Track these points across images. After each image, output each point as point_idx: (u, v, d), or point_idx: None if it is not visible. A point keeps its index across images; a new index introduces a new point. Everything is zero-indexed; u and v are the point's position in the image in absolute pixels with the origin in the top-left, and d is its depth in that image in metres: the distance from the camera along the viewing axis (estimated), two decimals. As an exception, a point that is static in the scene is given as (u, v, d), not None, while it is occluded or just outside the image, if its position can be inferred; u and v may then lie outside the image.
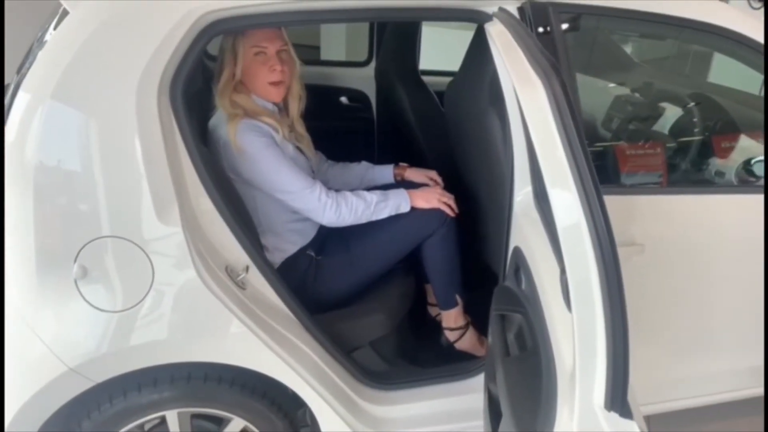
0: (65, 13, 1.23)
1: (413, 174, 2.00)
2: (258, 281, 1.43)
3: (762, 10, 3.63)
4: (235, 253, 1.39)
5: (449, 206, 1.73)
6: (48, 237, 1.24)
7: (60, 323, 1.28)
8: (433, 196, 1.73)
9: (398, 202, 1.69)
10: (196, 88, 1.58)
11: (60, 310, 1.27)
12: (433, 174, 1.98)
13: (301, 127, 1.79)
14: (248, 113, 1.60)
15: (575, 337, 0.93)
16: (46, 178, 1.21)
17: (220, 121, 1.60)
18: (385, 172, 2.02)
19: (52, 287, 1.25)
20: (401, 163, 2.06)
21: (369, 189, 2.01)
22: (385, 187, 1.83)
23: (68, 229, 1.24)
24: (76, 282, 1.25)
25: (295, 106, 1.74)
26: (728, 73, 2.60)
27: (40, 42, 1.34)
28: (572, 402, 0.97)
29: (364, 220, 1.66)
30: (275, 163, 1.58)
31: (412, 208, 1.70)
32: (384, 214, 1.68)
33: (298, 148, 1.75)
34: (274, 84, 1.64)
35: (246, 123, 1.57)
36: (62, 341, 1.28)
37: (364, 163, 2.04)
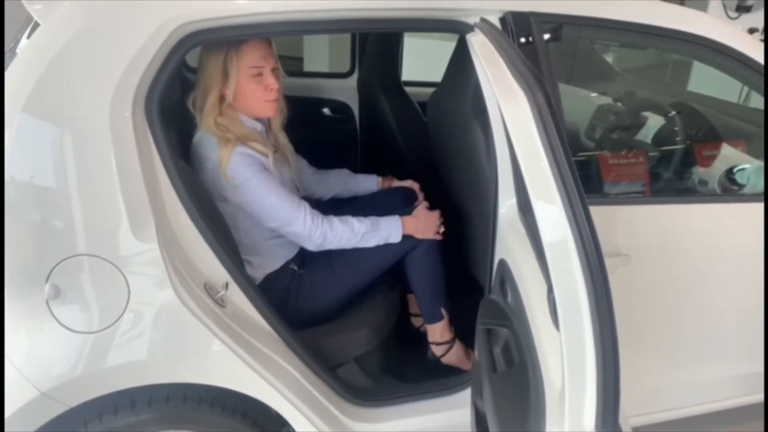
0: (37, 24, 1.19)
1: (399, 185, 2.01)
2: (238, 298, 1.40)
3: (740, 19, 3.70)
4: (214, 269, 1.35)
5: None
6: (18, 255, 1.19)
7: (31, 345, 1.23)
8: (430, 229, 1.71)
9: (388, 234, 1.66)
10: (174, 100, 1.55)
11: (31, 331, 1.22)
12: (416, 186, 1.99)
13: (283, 138, 1.76)
14: (238, 137, 1.54)
15: (564, 356, 0.91)
16: (17, 193, 1.17)
17: (206, 139, 1.56)
18: (368, 183, 2.02)
19: (22, 308, 1.20)
20: (389, 176, 2.05)
21: (354, 197, 2.02)
22: (376, 206, 1.81)
23: (39, 248, 1.20)
24: (47, 302, 1.20)
25: (278, 120, 1.71)
26: (707, 82, 2.63)
27: (11, 53, 1.31)
28: (562, 422, 0.94)
29: (349, 247, 1.64)
30: (263, 193, 1.54)
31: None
32: (371, 244, 1.65)
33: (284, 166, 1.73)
34: (270, 101, 1.59)
35: (237, 151, 1.52)
36: (34, 364, 1.23)
37: (345, 170, 2.02)
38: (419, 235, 1.68)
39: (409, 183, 2.04)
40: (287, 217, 1.56)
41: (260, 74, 1.54)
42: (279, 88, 1.59)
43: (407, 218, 1.70)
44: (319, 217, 1.60)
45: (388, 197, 1.97)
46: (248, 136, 1.57)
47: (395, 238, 1.66)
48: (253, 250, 1.65)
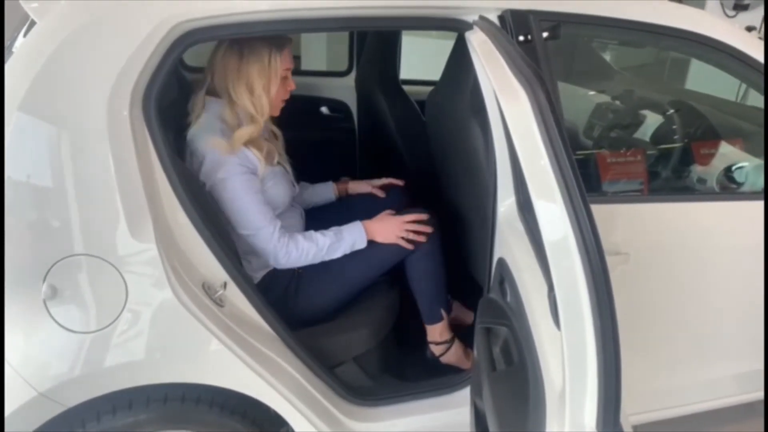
0: (33, 22, 1.19)
1: (357, 186, 1.99)
2: (237, 297, 1.39)
3: (737, 18, 3.71)
4: (213, 268, 1.34)
5: (418, 232, 1.68)
6: (15, 255, 1.18)
7: (29, 345, 1.22)
8: (391, 232, 1.67)
9: (353, 241, 1.64)
10: (171, 98, 1.54)
11: (28, 331, 1.21)
12: (381, 182, 1.98)
13: (273, 126, 1.76)
14: (250, 139, 1.57)
15: (564, 355, 0.91)
16: (14, 193, 1.16)
17: (201, 133, 1.56)
18: (325, 191, 2.01)
19: (19, 308, 1.19)
20: (343, 178, 2.04)
21: (316, 209, 2.01)
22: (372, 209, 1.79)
23: (36, 247, 1.19)
24: (45, 302, 1.20)
25: None
26: (704, 80, 2.63)
27: (8, 52, 1.30)
28: (562, 421, 0.94)
29: (317, 261, 1.63)
30: (240, 194, 1.53)
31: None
32: (338, 254, 1.64)
33: (281, 164, 1.73)
34: (284, 101, 1.65)
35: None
36: (31, 364, 1.23)
37: (303, 183, 2.01)
38: (380, 239, 1.66)
39: (373, 182, 2.01)
40: (257, 226, 1.56)
41: (287, 77, 1.61)
42: None
43: (368, 222, 1.68)
44: (285, 237, 1.59)
45: (385, 199, 1.97)
46: (256, 141, 1.58)
47: (360, 244, 1.65)
48: (251, 248, 1.64)
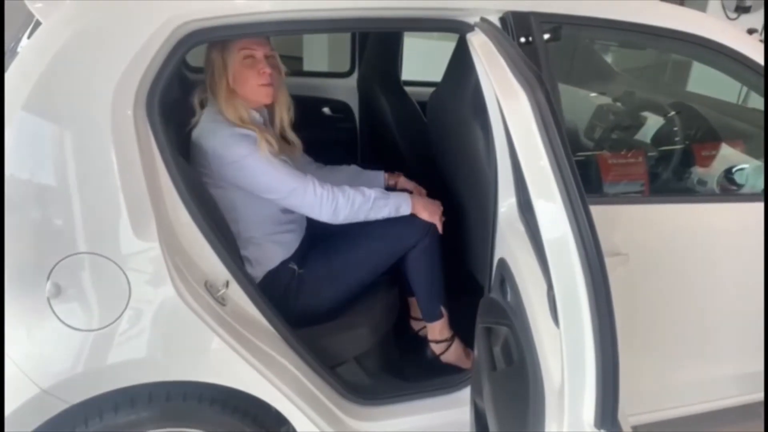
0: (38, 23, 1.20)
1: (406, 184, 2.00)
2: (239, 296, 1.40)
3: (739, 20, 3.72)
4: (215, 267, 1.35)
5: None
6: (19, 253, 1.19)
7: (32, 343, 1.23)
8: (435, 211, 1.71)
9: (398, 204, 1.66)
10: (174, 99, 1.55)
11: (32, 329, 1.22)
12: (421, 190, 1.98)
13: (292, 135, 1.76)
14: (241, 120, 1.57)
15: (563, 353, 0.91)
16: (18, 192, 1.17)
17: (205, 131, 1.57)
18: (376, 178, 2.01)
19: (23, 305, 1.20)
20: (396, 171, 2.05)
21: None
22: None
23: (40, 246, 1.20)
24: (48, 300, 1.21)
25: (285, 116, 1.72)
26: (706, 82, 2.64)
27: (12, 52, 1.31)
28: (561, 419, 0.95)
29: (362, 216, 1.62)
30: (263, 168, 1.54)
31: (411, 215, 1.69)
32: (383, 213, 1.64)
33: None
34: (264, 86, 1.61)
35: (233, 132, 1.54)
36: (35, 361, 1.23)
37: (354, 167, 2.02)
38: (424, 215, 1.69)
39: (412, 186, 2.02)
40: (292, 187, 1.56)
41: (252, 57, 1.56)
42: (275, 76, 1.61)
43: (414, 196, 1.73)
44: (328, 185, 1.60)
45: None
46: (247, 121, 1.59)
47: (405, 209, 1.67)
48: (250, 244, 1.65)
